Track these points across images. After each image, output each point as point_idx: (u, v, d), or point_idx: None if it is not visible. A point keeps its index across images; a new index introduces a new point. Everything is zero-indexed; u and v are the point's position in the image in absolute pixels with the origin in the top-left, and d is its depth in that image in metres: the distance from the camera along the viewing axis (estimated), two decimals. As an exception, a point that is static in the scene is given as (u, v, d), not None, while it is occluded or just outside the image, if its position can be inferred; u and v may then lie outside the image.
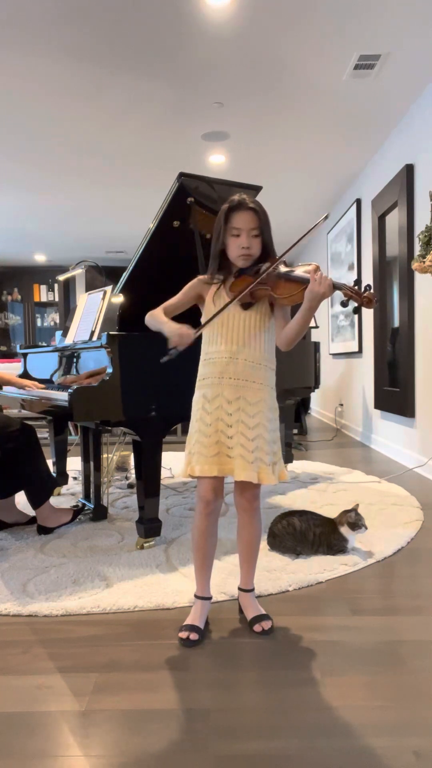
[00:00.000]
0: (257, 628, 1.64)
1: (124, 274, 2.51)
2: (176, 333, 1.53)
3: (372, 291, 1.51)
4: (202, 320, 1.66)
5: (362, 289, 1.51)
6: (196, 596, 1.69)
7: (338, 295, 1.58)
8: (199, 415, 1.61)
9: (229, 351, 1.60)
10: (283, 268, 1.60)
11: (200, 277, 1.69)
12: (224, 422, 1.58)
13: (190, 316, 1.69)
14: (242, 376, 1.59)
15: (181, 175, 2.32)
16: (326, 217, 1.62)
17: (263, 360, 1.64)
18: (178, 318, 1.64)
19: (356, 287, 1.52)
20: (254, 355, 1.61)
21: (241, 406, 1.58)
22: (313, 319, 5.53)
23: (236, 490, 1.67)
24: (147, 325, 1.67)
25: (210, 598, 1.71)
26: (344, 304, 1.54)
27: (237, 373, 1.59)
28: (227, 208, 1.59)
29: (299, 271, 1.57)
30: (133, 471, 3.66)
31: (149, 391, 2.26)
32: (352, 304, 1.53)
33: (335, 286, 1.50)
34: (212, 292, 1.64)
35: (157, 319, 1.64)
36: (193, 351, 1.69)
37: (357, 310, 1.54)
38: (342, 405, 6.13)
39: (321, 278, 1.48)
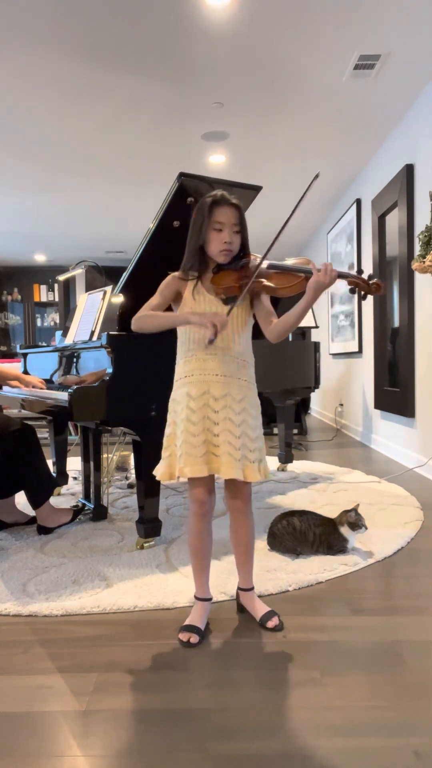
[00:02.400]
0: (270, 624, 1.64)
1: (124, 274, 2.51)
2: (209, 319, 1.48)
3: (377, 279, 1.56)
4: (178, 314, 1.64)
5: (367, 278, 1.56)
6: (196, 597, 1.69)
7: (340, 289, 1.63)
8: (185, 414, 1.57)
9: (215, 348, 1.58)
10: (272, 262, 1.61)
11: (174, 274, 1.65)
12: (210, 420, 1.56)
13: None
14: (228, 373, 1.58)
15: (181, 175, 2.32)
16: (317, 176, 1.53)
17: (246, 356, 1.64)
18: None
19: (360, 275, 1.56)
20: (238, 351, 1.61)
21: (227, 403, 1.57)
22: (313, 319, 5.55)
23: (228, 491, 1.66)
24: (141, 330, 1.60)
25: (210, 599, 1.71)
26: (353, 291, 1.58)
27: (223, 370, 1.58)
28: (210, 201, 1.57)
29: (291, 263, 1.60)
30: (133, 471, 3.66)
31: (149, 391, 2.26)
32: (359, 292, 1.58)
33: (339, 275, 1.52)
34: (190, 288, 1.62)
35: (162, 316, 1.59)
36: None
37: (364, 297, 1.57)
38: (342, 405, 6.13)
39: (326, 268, 1.49)
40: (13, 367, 3.11)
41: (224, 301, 1.59)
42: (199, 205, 1.60)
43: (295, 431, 5.73)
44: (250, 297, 1.63)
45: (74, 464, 3.98)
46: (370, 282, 1.56)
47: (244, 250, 1.63)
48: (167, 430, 1.64)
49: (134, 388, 2.24)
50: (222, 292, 1.58)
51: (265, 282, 1.58)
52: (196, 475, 1.54)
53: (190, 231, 1.62)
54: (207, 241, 1.59)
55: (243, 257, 1.62)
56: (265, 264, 1.58)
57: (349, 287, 1.58)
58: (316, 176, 1.52)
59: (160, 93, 3.57)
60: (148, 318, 1.60)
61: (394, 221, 4.15)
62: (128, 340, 2.24)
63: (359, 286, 1.57)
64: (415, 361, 3.81)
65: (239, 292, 1.57)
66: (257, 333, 1.68)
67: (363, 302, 5.12)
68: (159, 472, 1.62)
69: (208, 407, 1.56)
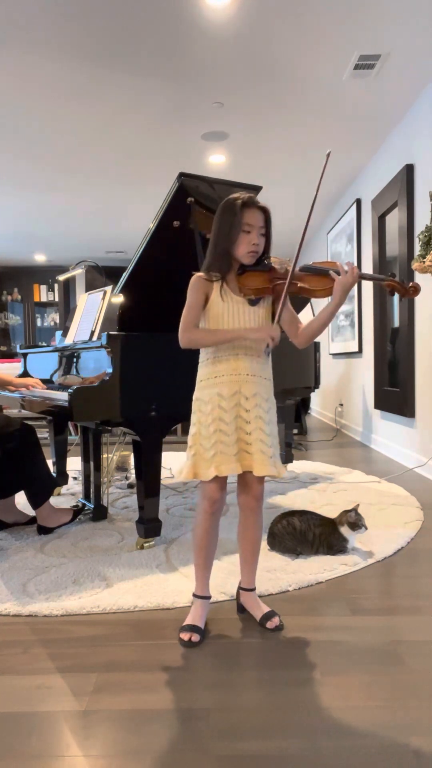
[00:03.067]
0: (270, 624, 1.65)
1: (124, 274, 2.51)
2: (265, 335, 1.54)
3: (414, 282, 1.65)
4: (207, 319, 1.63)
5: (400, 280, 1.64)
6: (195, 596, 1.69)
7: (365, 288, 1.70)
8: (216, 415, 1.57)
9: (244, 348, 1.60)
10: (303, 264, 1.64)
11: (198, 275, 1.65)
12: (243, 418, 1.58)
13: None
14: (258, 372, 1.61)
15: (181, 175, 2.32)
16: (329, 154, 1.58)
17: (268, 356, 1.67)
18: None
19: (390, 277, 1.64)
20: (263, 351, 1.63)
21: (258, 402, 1.59)
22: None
23: (243, 489, 1.67)
24: (194, 347, 1.62)
25: (209, 598, 1.71)
26: (391, 294, 1.67)
27: (253, 369, 1.61)
28: (240, 203, 1.56)
29: (319, 265, 1.63)
30: (133, 471, 3.66)
31: (149, 391, 2.26)
32: (397, 294, 1.66)
33: (373, 278, 1.60)
34: (217, 289, 1.62)
35: (217, 335, 1.59)
36: (191, 350, 1.69)
37: (401, 299, 1.67)
38: (342, 405, 6.13)
39: (350, 268, 1.53)
40: (12, 368, 3.10)
41: (250, 302, 1.61)
42: (227, 207, 1.59)
43: (295, 431, 5.72)
44: (273, 299, 1.65)
45: (74, 464, 3.98)
46: (408, 286, 1.63)
47: (266, 252, 1.64)
48: (192, 430, 1.64)
49: (134, 388, 2.24)
50: (252, 292, 1.60)
51: (300, 284, 1.60)
52: (231, 473, 1.56)
53: (216, 232, 1.62)
54: (235, 242, 1.59)
55: (265, 259, 1.64)
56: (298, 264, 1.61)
57: (389, 289, 1.65)
58: (328, 155, 1.56)
59: (160, 93, 3.57)
60: (198, 336, 1.61)
61: (394, 221, 4.15)
62: (128, 340, 2.24)
63: (396, 289, 1.63)
64: (415, 361, 3.81)
65: (272, 292, 1.61)
66: None
67: (362, 303, 5.13)
68: (184, 472, 1.61)
69: (240, 407, 1.59)
